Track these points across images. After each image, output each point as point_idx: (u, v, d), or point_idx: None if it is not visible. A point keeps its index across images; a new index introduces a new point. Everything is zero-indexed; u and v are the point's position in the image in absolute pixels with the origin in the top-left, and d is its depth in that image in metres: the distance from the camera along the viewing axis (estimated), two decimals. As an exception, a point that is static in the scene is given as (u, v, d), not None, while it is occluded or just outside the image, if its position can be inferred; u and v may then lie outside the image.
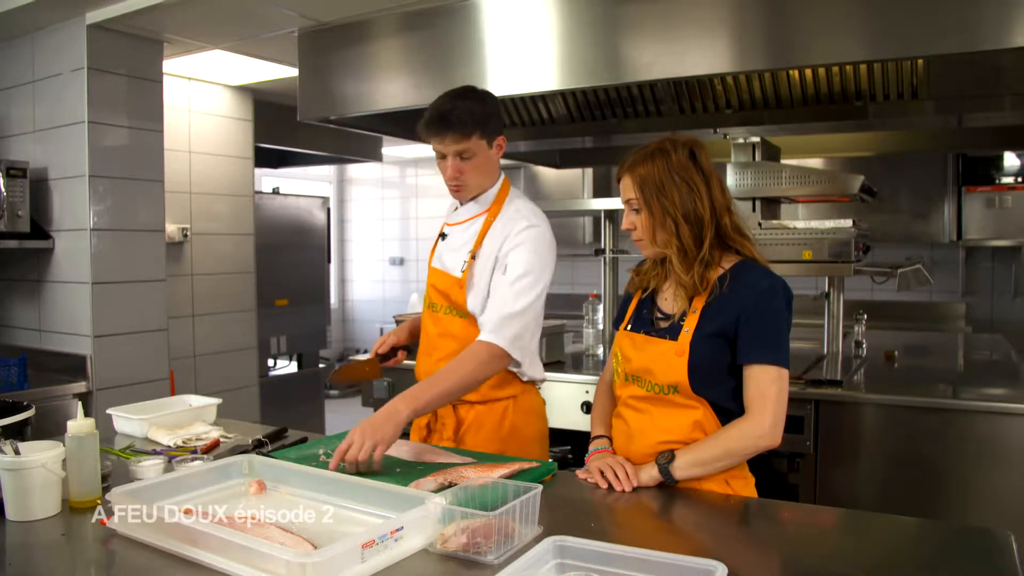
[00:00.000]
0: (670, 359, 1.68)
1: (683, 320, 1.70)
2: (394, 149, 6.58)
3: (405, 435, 2.19)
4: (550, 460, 1.92)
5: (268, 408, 4.66)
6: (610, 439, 1.83)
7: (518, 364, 1.98)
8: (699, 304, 1.68)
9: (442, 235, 2.18)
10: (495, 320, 1.92)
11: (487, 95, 2.06)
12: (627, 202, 1.75)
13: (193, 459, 1.78)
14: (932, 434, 2.45)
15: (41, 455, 1.49)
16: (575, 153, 4.76)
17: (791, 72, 2.71)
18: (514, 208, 2.07)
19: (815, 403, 2.55)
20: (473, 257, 2.04)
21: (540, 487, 1.39)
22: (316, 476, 1.61)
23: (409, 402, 1.81)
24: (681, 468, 1.64)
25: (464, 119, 1.94)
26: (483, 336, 1.92)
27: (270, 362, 5.35)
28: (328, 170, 8.31)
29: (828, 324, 3.13)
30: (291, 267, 5.38)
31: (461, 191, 2.06)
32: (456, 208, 2.18)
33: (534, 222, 2.02)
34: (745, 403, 1.65)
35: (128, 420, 2.15)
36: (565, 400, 2.93)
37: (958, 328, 5.14)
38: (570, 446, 3.07)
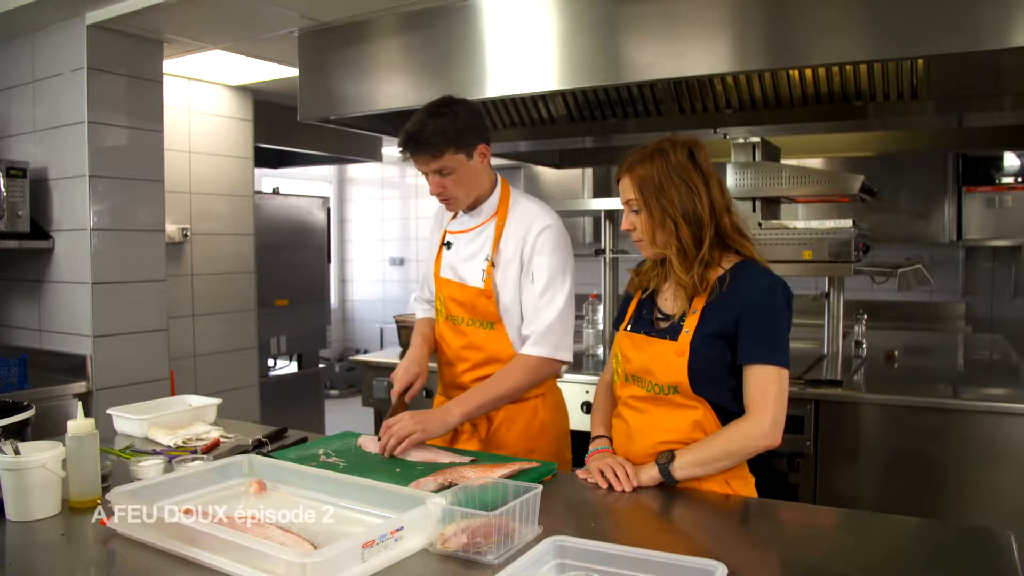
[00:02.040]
0: (670, 359, 1.67)
1: (683, 320, 1.69)
2: (394, 149, 6.52)
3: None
4: (571, 456, 2.00)
5: (268, 408, 4.66)
6: (610, 439, 1.83)
7: (568, 364, 2.06)
8: (699, 304, 1.68)
9: (447, 244, 2.17)
10: (538, 333, 1.99)
11: (463, 107, 2.01)
12: (626, 203, 1.75)
13: (193, 459, 1.78)
14: (932, 434, 2.45)
15: (41, 455, 1.49)
16: (575, 153, 4.76)
17: (791, 72, 2.71)
18: (523, 208, 2.08)
19: (815, 403, 2.55)
20: (492, 264, 2.04)
21: (540, 487, 1.39)
22: (316, 476, 1.61)
23: (462, 406, 1.93)
24: (681, 468, 1.64)
25: (433, 139, 1.93)
26: (529, 349, 1.99)
27: (270, 362, 5.35)
28: (328, 170, 8.31)
29: (828, 324, 3.13)
30: (291, 267, 5.38)
31: (451, 204, 2.07)
32: (455, 216, 2.18)
33: (548, 221, 2.04)
34: (745, 403, 1.65)
35: (128, 420, 2.15)
36: (565, 400, 2.93)
37: (958, 328, 5.14)
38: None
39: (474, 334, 2.08)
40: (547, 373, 2.03)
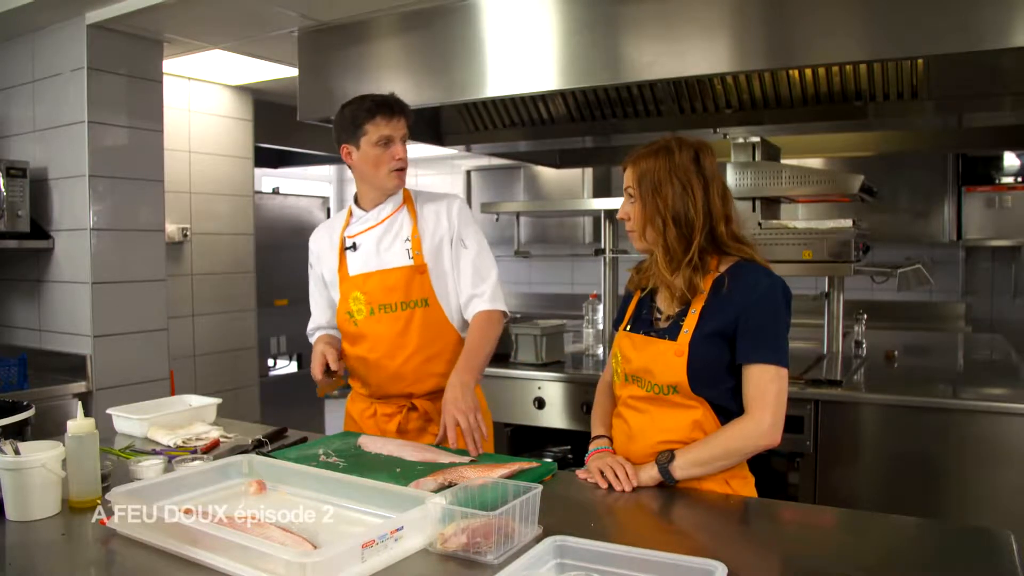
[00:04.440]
0: (669, 359, 1.67)
1: (682, 320, 1.69)
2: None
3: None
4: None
5: (268, 408, 4.66)
6: (610, 439, 1.83)
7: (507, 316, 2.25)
8: (698, 304, 1.68)
9: (351, 247, 2.20)
10: (491, 291, 2.17)
11: None
12: (626, 189, 1.76)
13: (193, 459, 1.78)
14: (932, 434, 2.45)
15: (41, 455, 1.49)
16: (575, 153, 4.76)
17: (791, 72, 2.71)
18: (426, 193, 2.26)
19: (815, 403, 2.55)
20: (419, 240, 2.14)
21: (540, 487, 1.39)
22: (316, 476, 1.61)
23: (470, 372, 2.02)
24: (681, 468, 1.64)
25: (406, 108, 2.14)
26: (487, 306, 2.15)
27: (270, 362, 5.35)
28: (328, 170, 8.30)
29: (828, 324, 3.13)
30: (291, 267, 5.35)
31: (404, 174, 2.17)
32: (349, 222, 2.23)
33: (461, 199, 2.26)
34: (744, 403, 1.65)
35: (128, 420, 2.15)
36: (565, 400, 2.94)
37: (958, 328, 5.14)
38: (570, 446, 3.07)
39: (411, 316, 2.13)
40: (503, 324, 2.22)
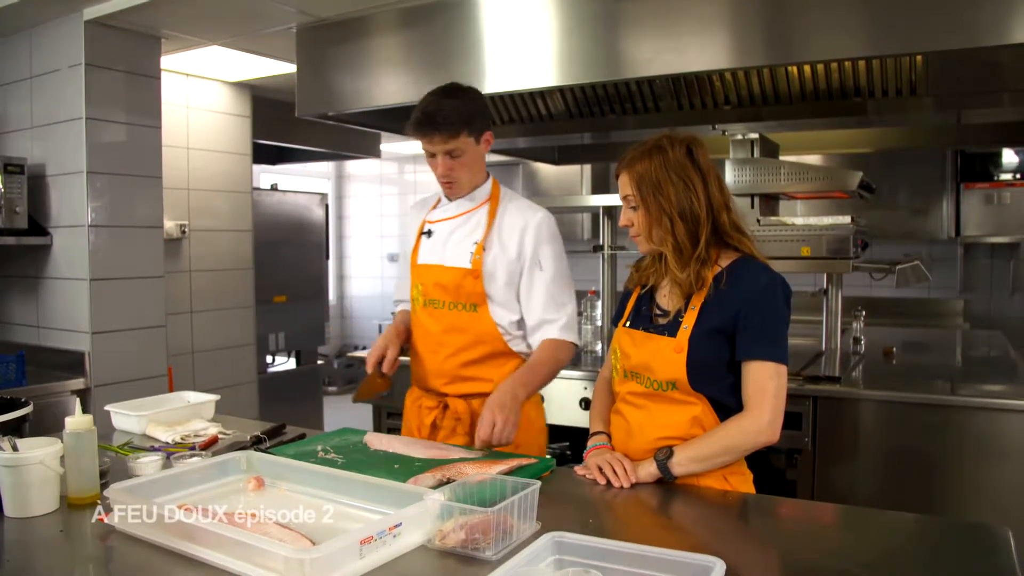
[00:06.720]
0: (669, 356, 1.68)
1: (682, 317, 1.69)
2: (392, 145, 6.58)
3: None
4: (548, 455, 1.97)
5: (266, 404, 4.66)
6: (609, 435, 1.83)
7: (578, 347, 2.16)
8: (698, 301, 1.68)
9: (427, 232, 2.18)
10: (565, 321, 2.08)
11: (472, 92, 2.08)
12: (624, 198, 1.75)
13: (191, 455, 1.78)
14: (930, 430, 2.46)
15: (39, 452, 1.49)
16: (573, 149, 4.76)
17: (790, 68, 2.71)
18: (516, 201, 2.14)
19: (813, 399, 2.55)
20: (483, 247, 2.06)
21: (538, 483, 1.39)
22: (314, 472, 1.61)
23: (524, 386, 1.97)
24: (679, 464, 1.64)
25: (451, 119, 1.98)
26: (558, 335, 2.07)
27: (268, 359, 5.35)
28: (326, 166, 8.30)
29: (826, 320, 3.14)
30: (289, 263, 5.38)
31: (454, 187, 2.09)
32: (436, 205, 2.21)
33: (545, 212, 2.12)
34: (744, 399, 1.65)
35: (126, 416, 2.15)
36: (563, 396, 2.94)
37: (956, 324, 5.15)
38: (568, 442, 3.07)
39: (456, 317, 2.09)
40: (572, 356, 2.12)
